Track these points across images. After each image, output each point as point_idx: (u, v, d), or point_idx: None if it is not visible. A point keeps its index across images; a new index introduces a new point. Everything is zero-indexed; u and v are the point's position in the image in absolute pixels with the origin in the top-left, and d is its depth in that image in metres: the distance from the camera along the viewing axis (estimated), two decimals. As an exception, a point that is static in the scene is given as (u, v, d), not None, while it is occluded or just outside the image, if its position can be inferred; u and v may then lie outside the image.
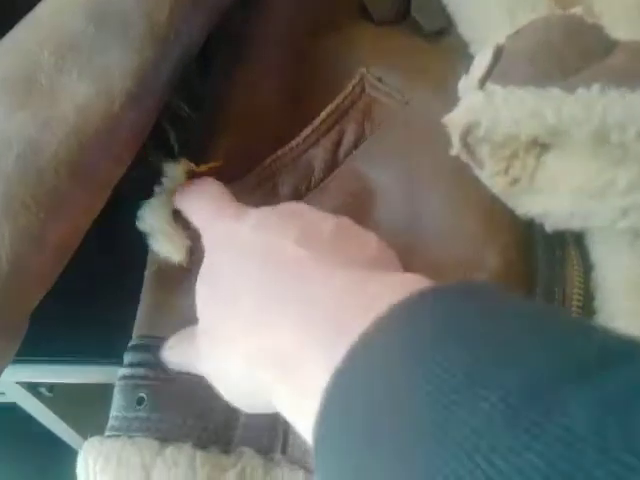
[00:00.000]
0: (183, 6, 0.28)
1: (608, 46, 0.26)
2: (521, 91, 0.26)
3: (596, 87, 0.25)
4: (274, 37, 0.35)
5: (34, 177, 0.25)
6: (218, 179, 0.31)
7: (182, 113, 0.35)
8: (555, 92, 0.25)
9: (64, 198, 0.26)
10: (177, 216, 0.30)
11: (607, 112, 0.24)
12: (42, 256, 0.26)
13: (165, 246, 0.30)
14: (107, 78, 0.26)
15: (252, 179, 0.32)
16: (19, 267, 0.25)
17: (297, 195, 0.32)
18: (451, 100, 0.33)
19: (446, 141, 0.31)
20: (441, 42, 0.38)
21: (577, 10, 0.27)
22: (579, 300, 0.30)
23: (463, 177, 0.31)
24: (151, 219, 0.30)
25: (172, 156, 0.33)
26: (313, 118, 0.34)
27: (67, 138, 0.25)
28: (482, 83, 0.27)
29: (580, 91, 0.25)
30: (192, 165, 0.31)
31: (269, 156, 0.32)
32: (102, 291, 0.33)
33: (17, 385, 0.48)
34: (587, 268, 0.30)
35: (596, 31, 0.26)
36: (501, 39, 0.33)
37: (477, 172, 0.29)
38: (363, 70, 0.35)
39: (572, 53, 0.26)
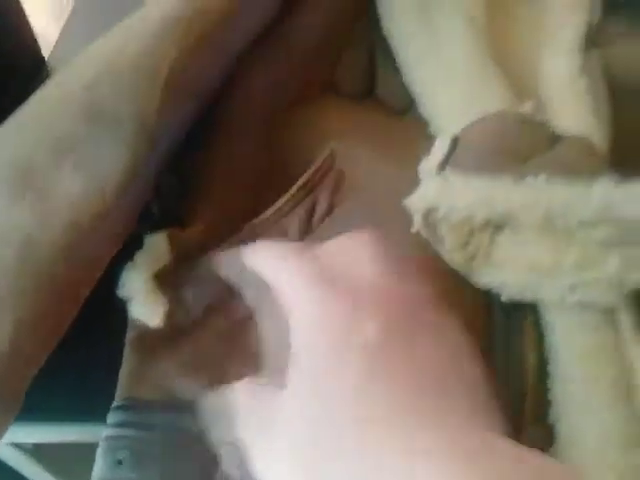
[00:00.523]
0: (173, 101, 0.31)
1: (553, 139, 0.30)
2: (475, 179, 0.29)
3: (542, 178, 0.28)
4: (249, 115, 0.38)
5: (33, 269, 0.27)
6: (197, 248, 0.33)
7: (165, 182, 0.37)
8: (505, 181, 0.28)
9: (62, 283, 0.28)
10: (156, 281, 0.32)
11: (552, 201, 0.27)
12: (39, 338, 0.27)
13: (144, 311, 0.31)
14: (100, 174, 0.28)
15: (230, 245, 0.34)
16: (17, 351, 0.26)
17: (271, 262, 0.34)
18: (414, 176, 0.36)
19: (408, 215, 0.34)
20: (405, 118, 0.41)
21: (528, 106, 0.31)
22: (535, 364, 0.33)
23: (427, 249, 0.34)
24: (131, 284, 0.32)
25: (152, 222, 0.35)
26: (287, 189, 0.36)
27: (63, 232, 0.27)
28: (440, 169, 0.30)
29: (528, 181, 0.28)
30: (173, 232, 0.33)
31: (245, 225, 0.35)
32: (86, 352, 0.34)
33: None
34: (542, 333, 0.33)
35: (543, 126, 0.30)
36: (458, 127, 0.36)
37: (438, 247, 0.31)
38: (333, 145, 0.38)
39: (522, 145, 0.30)
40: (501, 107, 0.38)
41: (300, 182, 0.36)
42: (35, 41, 0.51)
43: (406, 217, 0.35)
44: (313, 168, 0.37)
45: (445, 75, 0.40)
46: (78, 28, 0.56)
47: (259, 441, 0.21)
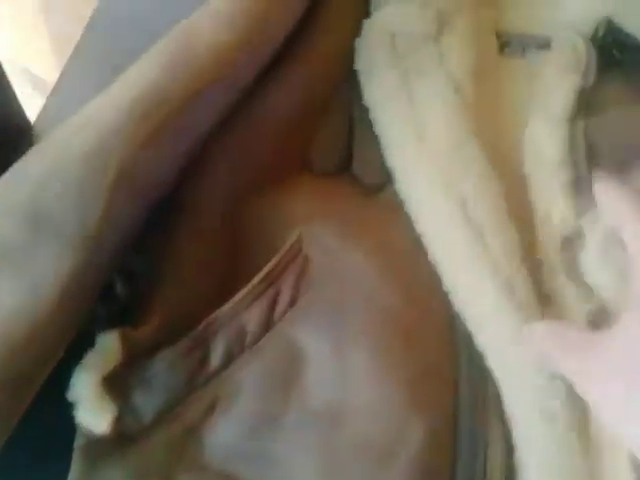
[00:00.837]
0: (122, 200, 0.30)
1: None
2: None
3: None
4: (212, 197, 0.37)
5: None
6: (149, 348, 0.32)
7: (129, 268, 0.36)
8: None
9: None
10: (105, 384, 0.31)
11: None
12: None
13: (91, 418, 0.30)
14: (39, 282, 0.27)
15: (185, 343, 0.32)
16: None
17: (229, 357, 0.33)
18: (386, 261, 0.35)
19: (374, 305, 0.32)
20: (381, 196, 0.39)
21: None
22: (501, 471, 0.31)
23: (391, 344, 0.32)
24: (79, 388, 0.31)
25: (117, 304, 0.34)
26: (251, 276, 0.35)
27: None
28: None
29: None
30: (125, 331, 0.32)
31: (204, 318, 0.33)
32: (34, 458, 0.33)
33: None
34: (510, 444, 0.31)
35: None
36: (436, 209, 0.36)
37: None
38: (300, 229, 0.36)
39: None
40: (482, 189, 0.36)
41: (263, 272, 0.35)
42: (19, 107, 0.52)
43: (370, 309, 0.33)
44: (278, 256, 0.35)
45: (425, 153, 0.38)
46: (68, 90, 0.56)
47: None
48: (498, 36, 0.53)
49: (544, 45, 0.51)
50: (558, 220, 0.37)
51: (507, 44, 0.53)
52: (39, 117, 0.53)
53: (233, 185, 0.38)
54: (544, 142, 0.40)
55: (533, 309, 0.32)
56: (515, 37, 0.53)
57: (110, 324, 0.32)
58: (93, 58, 0.57)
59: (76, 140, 0.31)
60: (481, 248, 0.34)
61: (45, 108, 0.53)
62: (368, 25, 0.45)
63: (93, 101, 0.35)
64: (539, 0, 0.54)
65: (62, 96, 0.54)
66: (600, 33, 0.46)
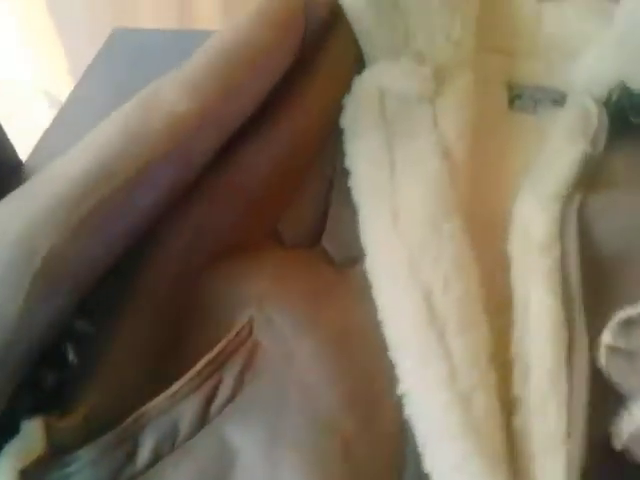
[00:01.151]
0: (46, 292, 0.29)
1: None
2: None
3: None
4: (163, 273, 0.34)
5: None
6: (75, 436, 0.30)
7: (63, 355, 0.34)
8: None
9: None
10: (24, 477, 0.29)
11: None
12: None
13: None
14: None
15: (111, 438, 0.30)
16: None
17: (158, 456, 0.31)
18: (339, 355, 0.32)
19: (314, 408, 0.30)
20: (352, 273, 0.37)
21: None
22: None
23: (325, 455, 0.29)
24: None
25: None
26: (195, 359, 0.33)
27: None
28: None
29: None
30: (50, 419, 0.30)
31: (136, 408, 0.31)
32: None
33: None
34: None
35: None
36: (405, 291, 0.33)
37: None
38: (254, 309, 0.34)
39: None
40: (453, 279, 0.33)
41: (205, 360, 0.32)
42: (11, 147, 0.51)
43: (311, 411, 0.30)
44: (225, 340, 0.33)
45: (398, 233, 0.35)
46: (58, 134, 0.56)
47: None
48: (510, 87, 0.50)
49: (558, 101, 0.47)
50: (536, 312, 0.33)
51: (519, 97, 0.49)
52: (30, 157, 0.52)
53: (190, 257, 0.35)
54: (532, 220, 0.36)
55: (491, 429, 0.29)
56: (528, 90, 0.49)
57: (37, 409, 0.30)
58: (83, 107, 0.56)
59: (13, 221, 0.30)
60: (441, 351, 0.30)
61: (36, 149, 0.53)
62: (358, 82, 0.42)
63: (52, 164, 0.34)
64: (556, 51, 0.50)
65: (52, 140, 0.54)
66: (614, 97, 0.41)
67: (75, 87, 0.62)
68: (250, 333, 0.33)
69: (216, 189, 0.37)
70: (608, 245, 0.35)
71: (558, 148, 0.41)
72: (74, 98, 0.61)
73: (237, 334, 0.33)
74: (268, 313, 0.34)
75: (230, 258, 0.36)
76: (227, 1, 0.67)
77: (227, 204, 0.37)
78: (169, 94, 0.34)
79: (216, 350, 0.32)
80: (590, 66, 0.42)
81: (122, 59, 0.64)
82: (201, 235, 0.36)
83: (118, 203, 0.31)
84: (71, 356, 0.33)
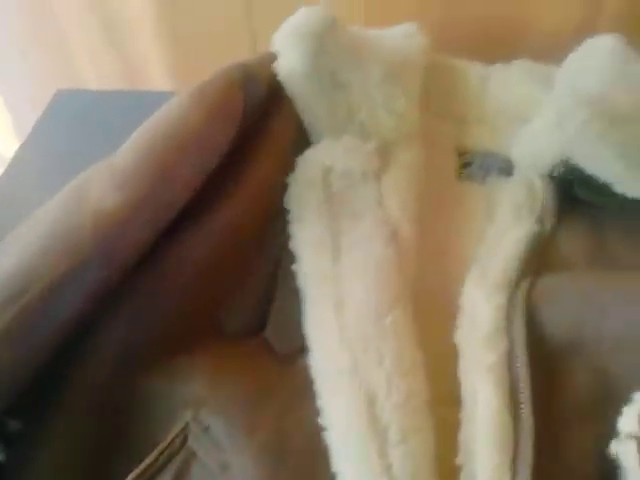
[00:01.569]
0: None
1: None
2: None
3: None
4: (99, 365, 0.33)
5: None
6: None
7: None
8: None
9: None
10: None
11: None
12: None
13: None
14: None
15: None
16: None
17: None
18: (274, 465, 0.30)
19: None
20: (294, 365, 0.35)
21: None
22: None
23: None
24: None
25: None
26: (139, 457, 0.31)
27: None
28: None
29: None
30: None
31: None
32: None
33: None
34: None
35: None
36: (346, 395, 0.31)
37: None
38: (189, 416, 0.32)
39: None
40: (397, 379, 0.32)
41: (133, 474, 0.30)
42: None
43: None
44: (156, 452, 0.31)
45: (341, 326, 0.34)
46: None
47: None
48: (459, 153, 0.49)
49: (506, 169, 0.47)
50: (483, 414, 0.31)
51: (468, 164, 0.49)
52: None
53: (127, 351, 0.33)
54: (479, 310, 0.35)
55: None
56: (477, 156, 0.49)
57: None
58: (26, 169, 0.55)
59: None
60: (380, 464, 0.29)
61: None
62: (302, 161, 0.41)
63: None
64: (502, 117, 0.50)
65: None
66: (558, 173, 0.41)
67: (18, 149, 0.60)
68: (185, 441, 0.31)
69: (152, 281, 0.35)
70: (558, 334, 0.34)
71: (505, 227, 0.40)
72: (18, 160, 0.59)
73: (171, 442, 0.31)
74: (204, 421, 0.32)
75: (170, 351, 0.34)
76: (176, 61, 0.66)
77: (164, 295, 0.35)
78: (97, 188, 0.33)
79: (146, 463, 0.30)
80: (532, 142, 0.42)
81: (66, 121, 0.62)
82: (137, 328, 0.34)
83: (42, 306, 0.30)
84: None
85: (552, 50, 0.49)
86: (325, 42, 0.41)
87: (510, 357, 0.32)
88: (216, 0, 0.61)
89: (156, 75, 0.68)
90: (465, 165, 0.49)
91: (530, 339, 0.33)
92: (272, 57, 0.41)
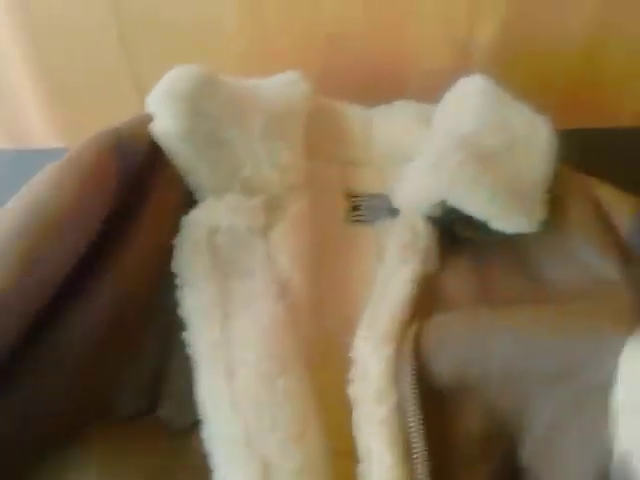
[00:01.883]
0: None
1: None
2: None
3: None
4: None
5: None
6: None
7: None
8: None
9: None
10: None
11: None
12: None
13: None
14: None
15: None
16: None
17: None
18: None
19: None
20: (189, 441, 0.34)
21: None
22: None
23: None
24: None
25: None
26: None
27: None
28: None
29: None
30: None
31: None
32: None
33: None
34: None
35: None
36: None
37: None
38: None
39: None
40: (289, 449, 0.31)
41: None
42: None
43: None
44: None
45: (233, 396, 0.33)
46: None
47: None
48: (349, 196, 0.50)
49: (394, 211, 0.48)
50: (378, 471, 0.32)
51: (357, 207, 0.50)
52: None
53: (14, 437, 0.31)
54: (368, 362, 0.35)
55: None
56: (365, 199, 0.50)
57: None
58: None
59: None
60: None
61: None
62: (186, 222, 0.40)
63: None
64: (387, 159, 0.51)
65: None
66: (437, 213, 0.43)
67: None
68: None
69: (33, 371, 0.33)
70: (447, 378, 0.35)
71: (392, 270, 0.41)
72: None
73: None
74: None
75: (61, 440, 0.32)
76: (60, 116, 0.64)
77: (45, 380, 0.33)
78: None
79: None
80: (410, 184, 0.43)
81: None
82: (19, 423, 0.32)
83: None
84: None
85: (433, 90, 0.51)
86: (200, 101, 0.41)
87: (401, 410, 0.33)
88: (93, 49, 0.59)
89: (40, 131, 0.65)
90: (354, 208, 0.49)
91: (420, 388, 0.34)
92: (149, 118, 0.41)
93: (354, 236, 0.48)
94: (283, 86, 0.49)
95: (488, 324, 0.35)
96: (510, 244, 0.42)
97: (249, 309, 0.37)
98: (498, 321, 0.35)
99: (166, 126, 0.40)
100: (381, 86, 0.60)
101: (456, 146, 0.42)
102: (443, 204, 0.42)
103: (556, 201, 0.43)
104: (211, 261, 0.38)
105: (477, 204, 0.41)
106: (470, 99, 0.48)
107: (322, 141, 0.52)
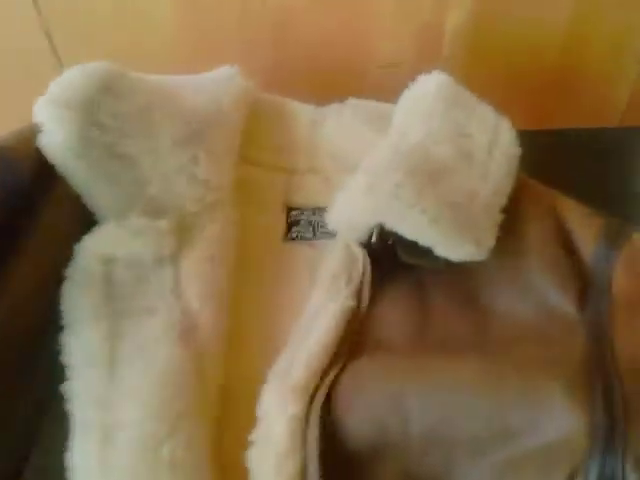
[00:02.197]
0: None
1: None
2: None
3: None
4: None
5: None
6: None
7: None
8: None
9: None
10: None
11: None
12: None
13: None
14: None
15: None
16: None
17: None
18: None
19: None
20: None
21: None
22: None
23: None
24: None
25: None
26: None
27: None
28: None
29: None
30: None
31: None
32: None
33: None
34: None
35: None
36: None
37: None
38: None
39: None
40: None
41: None
42: None
43: None
44: None
45: (107, 467, 0.28)
46: None
47: None
48: (289, 210, 0.45)
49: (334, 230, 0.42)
50: None
51: (296, 222, 0.44)
52: None
53: None
54: (273, 421, 0.30)
55: None
56: (306, 213, 0.44)
57: None
58: None
59: None
60: None
61: None
62: (79, 250, 0.35)
63: None
64: (334, 165, 0.46)
65: None
66: (376, 237, 0.37)
67: None
68: None
69: None
70: (361, 441, 0.30)
71: (317, 308, 0.35)
72: None
73: None
74: None
75: None
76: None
77: None
78: None
79: None
80: (346, 205, 0.38)
81: None
82: None
83: None
84: None
85: (392, 84, 0.45)
86: (96, 109, 0.35)
87: (305, 474, 0.28)
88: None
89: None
90: (293, 224, 0.44)
91: (329, 452, 0.29)
92: (35, 130, 0.35)
93: (289, 258, 0.42)
94: (215, 83, 0.43)
95: (408, 388, 0.30)
96: (459, 271, 0.37)
97: (143, 356, 0.32)
98: (420, 384, 0.30)
99: (55, 139, 0.34)
100: (338, 80, 0.54)
101: (397, 163, 0.36)
102: (382, 227, 0.36)
103: (513, 219, 0.38)
104: (103, 297, 0.33)
105: (417, 230, 0.35)
106: (425, 101, 0.42)
107: (263, 146, 0.46)
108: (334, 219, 0.38)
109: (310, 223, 0.44)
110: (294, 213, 0.44)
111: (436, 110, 0.41)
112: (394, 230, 0.36)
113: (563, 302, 0.35)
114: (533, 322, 0.34)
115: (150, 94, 0.39)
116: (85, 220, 0.36)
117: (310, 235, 0.43)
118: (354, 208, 0.37)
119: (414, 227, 0.35)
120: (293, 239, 0.43)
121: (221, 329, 0.35)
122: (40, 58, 0.53)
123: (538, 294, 0.35)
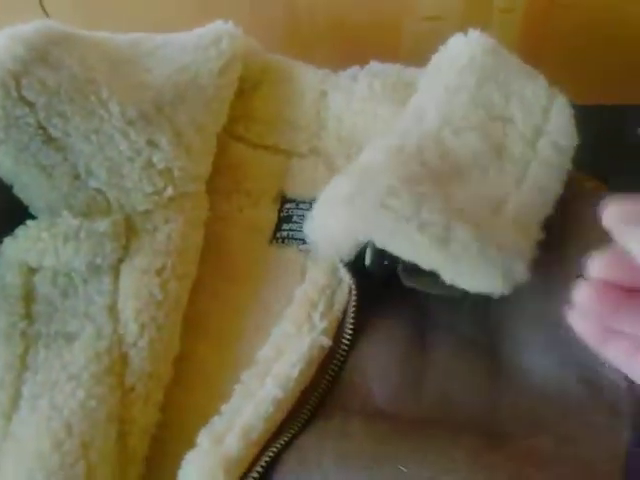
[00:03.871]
0: None
1: None
2: None
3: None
4: None
5: None
6: None
7: None
8: None
9: None
10: None
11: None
12: None
13: None
14: None
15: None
16: None
17: None
18: None
19: None
20: None
21: None
22: None
23: None
24: None
25: None
26: None
27: None
28: None
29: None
30: None
31: None
32: None
33: None
34: None
35: None
36: None
37: None
38: None
39: None
40: None
41: None
42: None
43: None
44: None
45: None
46: None
47: None
48: (282, 202, 0.37)
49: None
50: None
51: (288, 218, 0.36)
52: None
53: None
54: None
55: None
56: (301, 206, 0.36)
57: None
58: None
59: None
60: None
61: None
62: None
63: None
64: (341, 148, 0.37)
65: None
66: (368, 261, 0.28)
67: None
68: None
69: None
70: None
71: (283, 343, 0.28)
72: None
73: None
74: None
75: None
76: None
77: None
78: None
79: None
80: (326, 217, 0.29)
81: None
82: None
83: None
84: None
85: (434, 42, 0.36)
86: (21, 83, 0.28)
87: None
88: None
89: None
90: (284, 219, 0.36)
91: None
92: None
93: (276, 262, 0.35)
94: (195, 47, 0.35)
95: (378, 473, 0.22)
96: (473, 304, 0.28)
97: (54, 392, 0.26)
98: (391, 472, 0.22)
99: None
100: (367, 36, 0.45)
101: (393, 162, 0.27)
102: (370, 246, 0.28)
103: (558, 238, 0.28)
104: (21, 315, 0.27)
105: (414, 250, 0.26)
106: (451, 72, 0.32)
107: (256, 120, 0.38)
108: (313, 232, 0.30)
109: (305, 220, 0.36)
110: (288, 206, 0.37)
111: (465, 84, 0.31)
112: (387, 249, 0.27)
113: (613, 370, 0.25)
114: (558, 388, 0.25)
115: (99, 62, 0.31)
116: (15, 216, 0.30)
117: (302, 235, 0.35)
118: (335, 220, 0.28)
119: (409, 247, 0.26)
120: (282, 240, 0.35)
121: (165, 359, 0.28)
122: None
123: (571, 349, 0.26)
